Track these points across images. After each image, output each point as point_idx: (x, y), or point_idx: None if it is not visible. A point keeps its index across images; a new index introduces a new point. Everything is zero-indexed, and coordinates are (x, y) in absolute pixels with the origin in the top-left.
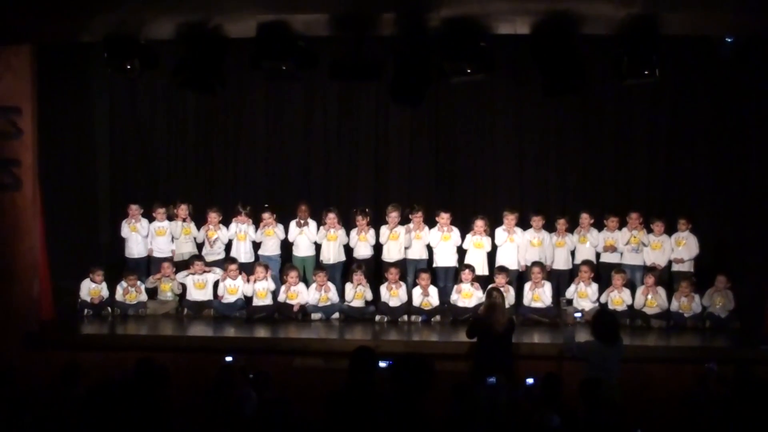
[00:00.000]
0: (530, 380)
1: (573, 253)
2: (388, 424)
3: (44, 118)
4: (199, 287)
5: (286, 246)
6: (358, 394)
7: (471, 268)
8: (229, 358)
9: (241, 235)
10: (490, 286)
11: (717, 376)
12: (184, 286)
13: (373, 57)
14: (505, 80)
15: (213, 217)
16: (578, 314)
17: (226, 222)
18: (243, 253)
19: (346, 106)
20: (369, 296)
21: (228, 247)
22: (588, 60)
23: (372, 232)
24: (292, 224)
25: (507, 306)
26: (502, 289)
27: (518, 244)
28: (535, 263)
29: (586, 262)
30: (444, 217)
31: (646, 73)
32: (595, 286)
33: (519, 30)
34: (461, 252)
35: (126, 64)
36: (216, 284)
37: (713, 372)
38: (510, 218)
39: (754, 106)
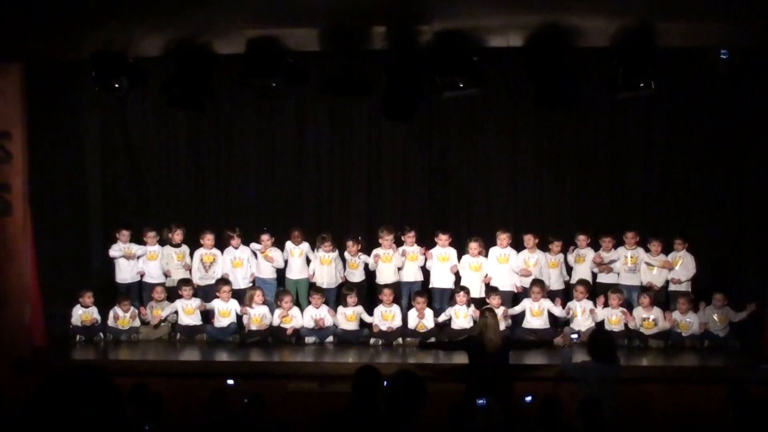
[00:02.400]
0: (528, 398)
1: (570, 273)
2: None
3: (34, 142)
4: (188, 313)
5: (281, 269)
6: (361, 415)
7: (466, 290)
8: (230, 381)
9: (237, 262)
10: (483, 307)
11: None
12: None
13: (364, 72)
14: (498, 96)
15: (208, 239)
16: (575, 335)
17: (218, 246)
18: (241, 279)
19: (338, 126)
20: (366, 318)
21: None
22: (582, 73)
23: (363, 257)
24: (287, 245)
25: (502, 327)
26: (495, 309)
27: (512, 266)
28: (535, 281)
29: (581, 282)
30: (443, 238)
31: (641, 85)
32: (590, 304)
33: (512, 43)
34: (456, 274)
35: (114, 82)
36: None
37: None
38: (503, 238)
39: (751, 122)
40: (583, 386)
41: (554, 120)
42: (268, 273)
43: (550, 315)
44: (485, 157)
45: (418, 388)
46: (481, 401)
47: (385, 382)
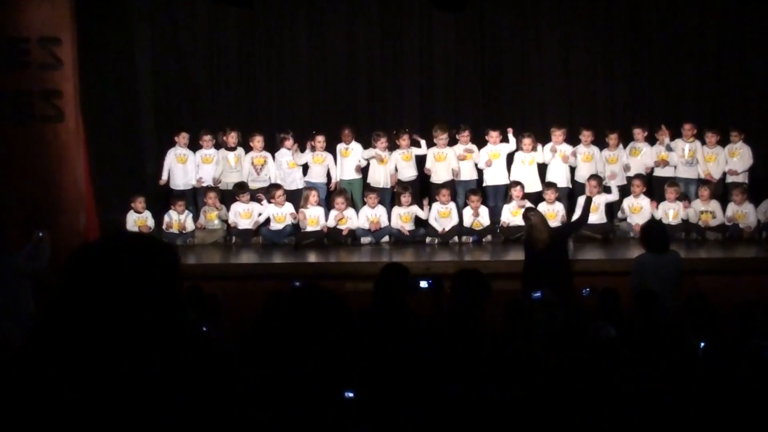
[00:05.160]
0: (586, 290)
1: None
2: (420, 343)
3: (84, 48)
4: (245, 217)
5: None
6: (385, 312)
7: (521, 184)
8: (297, 284)
9: (292, 163)
10: (524, 209)
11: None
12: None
13: None
14: None
15: (257, 141)
16: None
17: (269, 148)
18: (298, 179)
19: (390, 24)
20: (421, 214)
21: None
22: None
23: (415, 149)
24: (339, 146)
25: (559, 223)
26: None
27: (567, 160)
28: (591, 176)
29: (638, 176)
30: (493, 135)
31: None
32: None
33: None
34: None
35: None
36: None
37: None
38: (558, 134)
39: None
40: (642, 281)
41: (607, 11)
42: (319, 176)
43: (607, 210)
44: (537, 52)
45: (482, 285)
46: (537, 294)
47: (430, 283)
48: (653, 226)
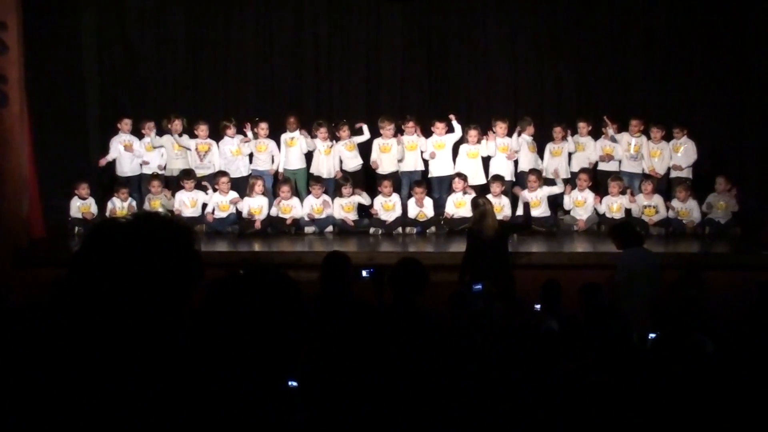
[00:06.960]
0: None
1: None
2: (365, 331)
3: (30, 33)
4: (190, 205)
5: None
6: (331, 300)
7: (463, 176)
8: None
9: (235, 150)
10: (473, 196)
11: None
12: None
13: None
14: None
15: (202, 130)
16: None
17: (214, 136)
18: (242, 166)
19: (337, 14)
20: (364, 201)
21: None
22: None
23: (356, 138)
24: (283, 136)
25: (503, 216)
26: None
27: (512, 154)
28: (531, 170)
29: (583, 170)
30: (439, 127)
31: None
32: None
33: None
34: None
35: None
36: (205, 205)
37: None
38: (501, 126)
39: (755, 6)
40: (627, 277)
41: (554, 4)
42: (264, 165)
43: (550, 203)
44: (484, 45)
45: (420, 274)
46: (477, 286)
47: (371, 272)
48: (623, 223)
